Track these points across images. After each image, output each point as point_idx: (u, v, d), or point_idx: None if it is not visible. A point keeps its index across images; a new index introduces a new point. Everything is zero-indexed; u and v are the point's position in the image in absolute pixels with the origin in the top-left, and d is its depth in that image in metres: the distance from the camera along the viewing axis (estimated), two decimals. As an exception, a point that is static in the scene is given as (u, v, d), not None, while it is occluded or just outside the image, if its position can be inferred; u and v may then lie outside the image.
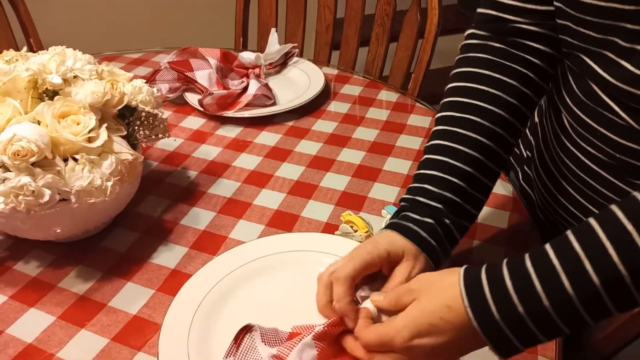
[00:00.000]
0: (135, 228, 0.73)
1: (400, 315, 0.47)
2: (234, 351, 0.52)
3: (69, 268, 0.67)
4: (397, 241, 0.55)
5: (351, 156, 0.87)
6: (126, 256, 0.69)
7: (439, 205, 0.57)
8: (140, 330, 0.59)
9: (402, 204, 0.59)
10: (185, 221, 0.75)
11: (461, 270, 0.46)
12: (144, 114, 0.69)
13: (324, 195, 0.78)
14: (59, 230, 0.65)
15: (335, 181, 0.81)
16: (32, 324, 0.60)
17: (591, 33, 0.52)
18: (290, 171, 0.84)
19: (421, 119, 0.95)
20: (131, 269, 0.67)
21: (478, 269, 0.45)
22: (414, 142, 0.90)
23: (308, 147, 0.89)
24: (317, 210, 0.76)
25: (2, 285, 0.65)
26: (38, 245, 0.70)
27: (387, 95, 1.04)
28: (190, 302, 0.60)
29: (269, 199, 0.78)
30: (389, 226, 0.57)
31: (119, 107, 0.66)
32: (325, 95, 1.03)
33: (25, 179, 0.56)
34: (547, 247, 0.43)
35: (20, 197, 0.56)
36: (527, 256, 0.44)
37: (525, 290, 0.42)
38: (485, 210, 0.74)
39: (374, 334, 0.48)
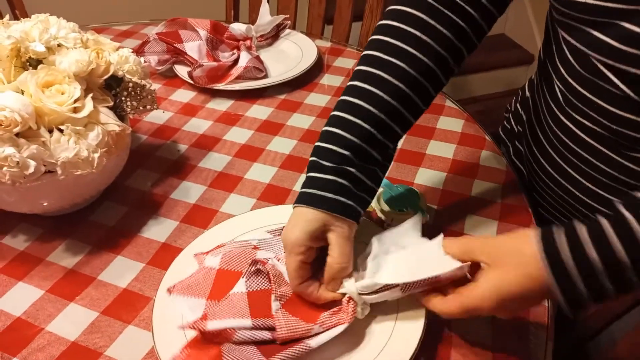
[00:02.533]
0: (124, 202, 0.72)
1: (481, 284, 0.47)
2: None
3: (57, 242, 0.66)
4: (312, 217, 0.52)
5: (344, 130, 0.86)
6: (115, 230, 0.68)
7: (346, 152, 0.53)
8: (131, 304, 0.59)
9: (311, 157, 0.55)
10: (176, 195, 0.74)
11: (537, 238, 0.46)
12: (131, 84, 0.67)
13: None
14: (45, 203, 0.64)
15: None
16: (21, 298, 0.60)
17: (597, 3, 0.50)
18: (282, 145, 0.83)
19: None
20: (120, 242, 0.66)
21: (553, 236, 0.45)
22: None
23: (300, 121, 0.88)
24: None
25: (-11, 259, 0.64)
26: (25, 218, 0.69)
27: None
28: (183, 276, 0.59)
29: (261, 172, 0.77)
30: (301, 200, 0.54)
31: (105, 77, 0.64)
32: (318, 68, 1.01)
33: (9, 150, 0.54)
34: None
35: (5, 168, 0.54)
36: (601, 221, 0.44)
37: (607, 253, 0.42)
38: (479, 183, 0.74)
39: (457, 306, 0.48)
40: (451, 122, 0.86)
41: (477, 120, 0.88)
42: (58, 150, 0.58)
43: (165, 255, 0.64)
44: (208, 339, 0.51)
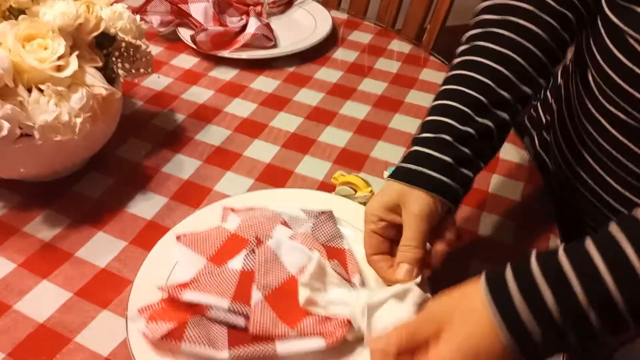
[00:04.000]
0: (111, 173, 0.67)
1: (439, 347, 0.38)
2: None
3: (35, 212, 0.61)
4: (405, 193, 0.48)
5: (355, 110, 0.79)
6: (99, 203, 0.63)
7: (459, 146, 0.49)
8: (108, 286, 0.54)
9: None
10: (168, 169, 0.68)
11: (482, 283, 0.39)
12: (124, 44, 0.61)
13: (322, 151, 0.71)
14: (22, 170, 0.59)
15: (335, 136, 0.74)
16: (-11, 271, 0.55)
17: None
18: (286, 122, 0.76)
19: (434, 74, 0.87)
20: (103, 217, 0.61)
21: (500, 278, 0.39)
22: (425, 99, 0.82)
23: (308, 97, 0.82)
24: (313, 166, 0.69)
25: (-40, 225, 0.59)
26: (3, 184, 0.63)
27: (399, 45, 0.95)
28: (166, 259, 0.54)
29: (261, 150, 0.71)
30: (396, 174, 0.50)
31: (95, 34, 0.58)
32: (331, 41, 0.94)
33: (-21, 109, 0.49)
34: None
35: (-26, 128, 0.49)
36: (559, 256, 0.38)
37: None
38: (497, 179, 0.67)
39: None
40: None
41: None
42: (37, 112, 0.52)
43: (150, 234, 0.58)
44: (182, 305, 0.47)
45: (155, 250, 0.54)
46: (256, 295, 0.47)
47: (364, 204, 0.59)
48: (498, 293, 0.37)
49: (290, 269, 0.50)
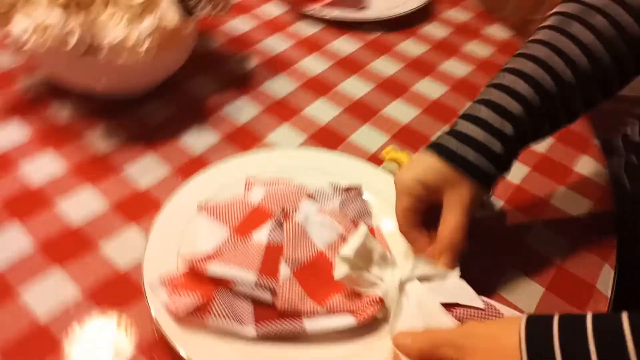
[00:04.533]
0: (174, 103, 0.68)
1: None
2: None
3: (95, 124, 0.65)
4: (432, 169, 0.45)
5: (429, 88, 0.75)
6: (156, 128, 0.65)
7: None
8: (141, 205, 0.56)
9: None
10: (228, 110, 0.69)
11: (522, 329, 0.34)
12: (206, -21, 0.62)
13: (383, 124, 0.69)
14: (89, 84, 0.62)
15: (401, 111, 0.71)
16: (42, 168, 0.59)
17: None
18: (355, 87, 0.74)
19: (527, 68, 0.80)
20: (156, 142, 0.63)
21: (544, 330, 0.34)
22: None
23: (385, 66, 0.78)
24: (369, 137, 0.66)
25: (27, 124, 0.64)
26: (74, 95, 0.67)
27: (497, 31, 0.88)
28: (199, 191, 0.55)
29: (322, 111, 0.70)
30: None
31: (180, -36, 0.59)
32: (424, 13, 0.89)
33: (54, 17, 0.51)
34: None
35: (45, 35, 0.52)
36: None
37: None
38: (563, 191, 0.61)
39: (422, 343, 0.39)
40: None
41: (589, 118, 0.73)
42: (107, 29, 0.54)
43: (194, 168, 0.59)
44: (207, 277, 0.45)
45: (189, 184, 0.55)
46: (284, 270, 0.46)
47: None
48: (538, 348, 0.33)
49: (319, 245, 0.49)
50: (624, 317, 0.32)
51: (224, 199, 0.54)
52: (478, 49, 0.84)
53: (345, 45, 0.82)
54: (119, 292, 0.48)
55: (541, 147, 0.66)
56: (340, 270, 0.44)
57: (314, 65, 0.77)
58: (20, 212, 0.54)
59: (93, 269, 0.50)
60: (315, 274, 0.47)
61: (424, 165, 0.45)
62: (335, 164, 0.59)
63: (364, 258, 0.45)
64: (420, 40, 0.84)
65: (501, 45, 0.85)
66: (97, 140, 0.63)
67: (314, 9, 0.85)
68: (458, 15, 0.91)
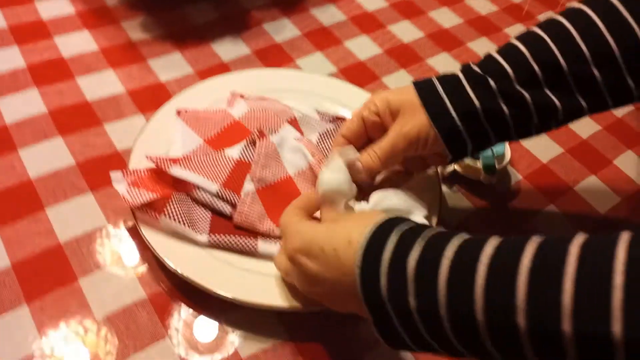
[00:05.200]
0: (218, 9, 0.68)
1: (311, 221, 0.38)
2: None
3: (137, 14, 0.65)
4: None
5: (485, 48, 0.70)
6: (192, 30, 0.65)
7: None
8: (154, 97, 0.56)
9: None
10: (267, 27, 0.67)
11: (380, 218, 0.33)
12: None
13: (422, 73, 0.65)
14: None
15: (445, 65, 0.66)
16: (73, 43, 0.60)
17: None
18: (405, 32, 0.70)
19: None
20: (187, 43, 0.63)
21: (399, 222, 0.33)
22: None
23: (443, 18, 0.73)
24: (402, 83, 0.63)
25: (74, 1, 0.65)
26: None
27: None
28: (205, 96, 0.55)
29: (362, 47, 0.67)
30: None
31: None
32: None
33: None
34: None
35: None
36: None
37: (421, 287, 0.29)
38: (593, 182, 0.56)
39: (283, 218, 0.39)
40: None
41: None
42: None
43: (217, 72, 0.59)
44: (169, 180, 0.45)
45: (201, 85, 0.55)
46: (248, 186, 0.45)
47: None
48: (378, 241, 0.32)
49: (289, 169, 0.48)
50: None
51: (205, 109, 0.52)
52: (553, 20, 0.77)
53: (411, -12, 0.77)
54: (107, 170, 0.49)
55: (584, 131, 0.60)
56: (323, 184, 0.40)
57: (368, 2, 0.74)
58: (42, 79, 0.56)
59: (92, 144, 0.51)
60: (279, 196, 0.46)
61: (402, 89, 0.42)
62: (336, 90, 0.57)
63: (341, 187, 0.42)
64: (491, 0, 0.78)
65: None
66: (133, 29, 0.63)
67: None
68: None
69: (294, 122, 0.52)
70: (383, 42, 0.68)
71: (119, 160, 0.50)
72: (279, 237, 0.44)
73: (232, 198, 0.44)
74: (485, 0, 0.78)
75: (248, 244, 0.43)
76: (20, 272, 0.41)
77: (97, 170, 0.49)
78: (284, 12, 0.70)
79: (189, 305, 0.41)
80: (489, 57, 0.41)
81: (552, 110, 0.40)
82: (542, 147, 0.58)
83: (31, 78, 0.56)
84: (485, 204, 0.52)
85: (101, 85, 0.56)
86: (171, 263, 0.40)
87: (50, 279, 0.41)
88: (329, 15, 0.70)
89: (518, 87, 0.39)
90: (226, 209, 0.44)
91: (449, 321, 0.28)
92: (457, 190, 0.53)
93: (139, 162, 0.47)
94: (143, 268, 0.43)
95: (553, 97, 0.39)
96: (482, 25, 0.73)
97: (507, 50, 0.41)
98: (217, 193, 0.44)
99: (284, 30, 0.67)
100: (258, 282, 0.41)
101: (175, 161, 0.45)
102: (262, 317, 0.41)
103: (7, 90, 0.54)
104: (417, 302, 0.29)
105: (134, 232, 0.45)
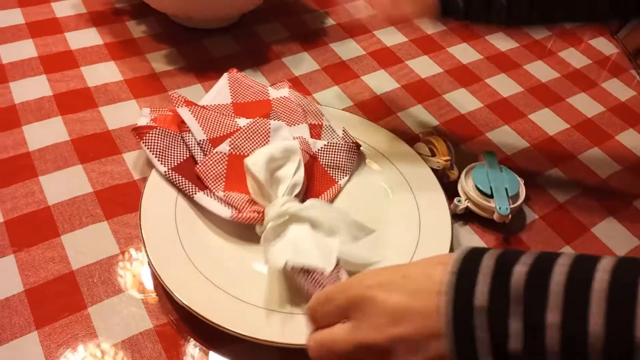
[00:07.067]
0: (238, 42, 0.69)
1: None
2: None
3: (162, 46, 0.67)
4: None
5: (504, 85, 0.70)
6: (213, 62, 0.66)
7: None
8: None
9: None
10: (287, 60, 0.68)
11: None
12: None
13: (438, 109, 0.65)
14: (169, 5, 0.64)
15: (462, 101, 0.66)
16: (99, 73, 0.62)
17: None
18: (422, 67, 0.70)
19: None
20: (209, 75, 0.64)
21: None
22: (591, 107, 0.68)
23: (462, 53, 0.74)
24: (418, 118, 0.63)
25: (104, 32, 0.68)
26: (154, 16, 0.70)
27: (605, 46, 0.80)
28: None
29: (381, 82, 0.67)
30: None
31: None
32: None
33: None
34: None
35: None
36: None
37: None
38: (607, 222, 0.54)
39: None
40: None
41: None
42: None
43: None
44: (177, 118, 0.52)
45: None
46: (224, 147, 0.50)
47: (435, 170, 0.53)
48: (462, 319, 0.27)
49: None
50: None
51: (251, 80, 0.60)
52: (572, 56, 0.76)
53: (428, 25, 0.78)
54: (122, 199, 0.50)
55: (602, 171, 0.59)
56: (250, 161, 0.46)
57: (389, 37, 0.75)
58: (66, 107, 0.58)
59: (110, 172, 0.52)
60: (243, 170, 0.48)
61: None
62: (349, 124, 0.57)
63: (274, 170, 0.47)
64: (511, 37, 0.78)
65: (599, 59, 0.77)
66: (157, 61, 0.65)
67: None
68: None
69: (316, 128, 0.55)
70: (400, 77, 0.69)
71: (135, 189, 0.51)
72: (220, 200, 0.47)
73: (207, 151, 0.50)
74: (505, 37, 0.78)
75: (190, 188, 0.48)
76: (32, 298, 0.42)
77: (112, 199, 0.50)
78: (303, 46, 0.71)
79: (196, 339, 0.41)
80: None
81: None
82: (559, 186, 0.57)
83: (56, 106, 0.58)
84: (498, 244, 0.51)
85: (123, 114, 0.58)
86: (180, 296, 0.41)
87: (61, 305, 0.42)
88: (347, 50, 0.71)
89: None
90: (199, 157, 0.50)
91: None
92: (468, 227, 0.52)
93: (153, 191, 0.48)
94: (152, 299, 0.43)
95: None
96: (502, 62, 0.74)
97: None
98: (199, 142, 0.50)
99: (302, 63, 0.68)
100: (268, 318, 0.41)
101: (189, 104, 0.53)
102: (270, 353, 0.41)
103: (33, 117, 0.56)
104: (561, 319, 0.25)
105: (145, 262, 0.45)
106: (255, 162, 0.46)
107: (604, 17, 0.47)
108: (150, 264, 0.43)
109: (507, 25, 0.46)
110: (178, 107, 0.52)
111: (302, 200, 0.47)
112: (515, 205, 0.50)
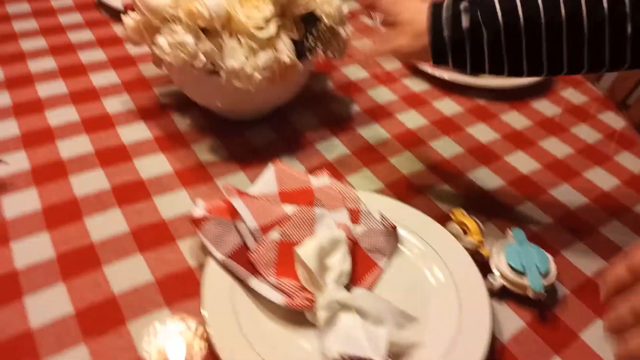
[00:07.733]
0: (275, 131, 0.76)
1: None
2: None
3: (206, 138, 0.73)
4: None
5: (522, 162, 0.75)
6: (254, 151, 0.72)
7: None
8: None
9: None
10: (320, 146, 0.74)
11: None
12: (325, 27, 0.68)
13: (464, 188, 0.69)
14: (210, 100, 0.71)
15: (486, 180, 0.71)
16: (151, 166, 0.68)
17: None
18: (445, 147, 0.76)
19: (631, 161, 0.76)
20: (251, 163, 0.70)
21: None
22: (607, 181, 0.73)
23: (480, 132, 0.79)
24: (445, 196, 0.68)
25: (151, 126, 0.74)
26: (196, 109, 0.77)
27: (611, 119, 0.85)
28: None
29: (406, 163, 0.73)
30: None
31: (303, 13, 0.66)
32: (538, 89, 0.89)
33: (189, 39, 0.60)
34: None
35: (180, 52, 0.61)
36: None
37: None
38: None
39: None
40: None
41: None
42: (228, 56, 0.62)
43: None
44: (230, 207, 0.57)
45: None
46: (274, 234, 0.54)
47: (468, 249, 0.57)
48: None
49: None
50: None
51: (297, 171, 0.64)
52: (584, 133, 0.82)
53: (447, 106, 0.84)
54: (181, 285, 0.54)
55: (624, 241, 0.63)
56: (301, 251, 0.51)
57: (410, 119, 0.81)
58: (123, 199, 0.63)
59: (167, 260, 0.56)
60: (293, 257, 0.53)
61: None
62: (381, 206, 0.62)
63: (323, 259, 0.51)
64: (525, 114, 0.84)
65: (610, 134, 0.82)
66: (203, 152, 0.71)
67: (428, 66, 0.89)
68: (572, 96, 0.90)
69: (355, 212, 0.59)
70: (425, 158, 0.74)
71: (191, 275, 0.55)
72: (272, 286, 0.51)
73: (259, 238, 0.54)
74: (520, 115, 0.84)
75: (245, 275, 0.52)
76: (105, 385, 0.45)
77: (172, 286, 0.54)
78: (333, 131, 0.77)
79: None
80: None
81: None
82: (585, 259, 0.61)
83: (114, 198, 0.63)
84: (535, 320, 0.54)
85: (176, 204, 0.63)
86: (243, 379, 0.44)
87: (132, 392, 0.45)
88: (374, 134, 0.77)
89: None
90: (251, 243, 0.54)
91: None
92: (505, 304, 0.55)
93: (211, 277, 0.52)
94: (215, 382, 0.46)
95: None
96: (518, 139, 0.79)
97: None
98: (251, 230, 0.54)
99: (333, 149, 0.74)
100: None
101: (241, 194, 0.57)
102: None
103: (93, 210, 0.61)
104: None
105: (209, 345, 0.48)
106: (306, 252, 0.50)
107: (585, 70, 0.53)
108: (212, 345, 0.46)
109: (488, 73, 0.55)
110: (231, 197, 0.57)
111: (347, 285, 0.51)
112: (548, 282, 0.53)
